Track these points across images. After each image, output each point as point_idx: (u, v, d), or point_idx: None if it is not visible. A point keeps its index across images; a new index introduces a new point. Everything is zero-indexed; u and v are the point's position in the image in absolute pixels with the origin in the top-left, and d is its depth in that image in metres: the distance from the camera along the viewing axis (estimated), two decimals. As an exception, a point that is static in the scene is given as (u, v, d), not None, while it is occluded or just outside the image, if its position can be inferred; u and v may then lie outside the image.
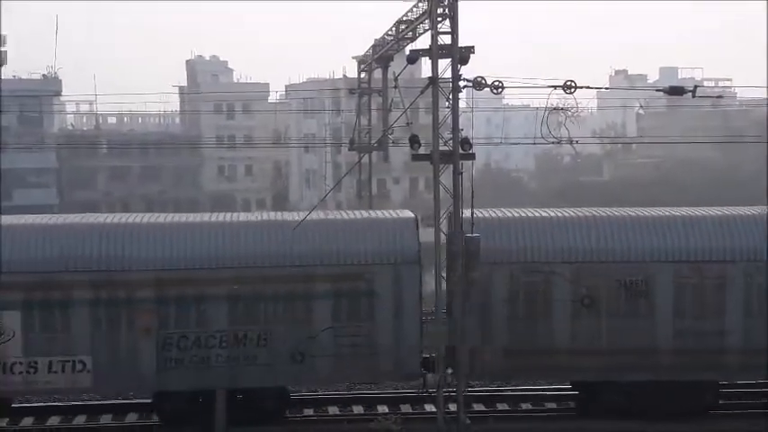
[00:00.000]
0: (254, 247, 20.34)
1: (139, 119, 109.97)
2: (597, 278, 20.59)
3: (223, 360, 20.21)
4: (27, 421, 21.74)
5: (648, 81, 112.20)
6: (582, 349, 20.64)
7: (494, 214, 21.30)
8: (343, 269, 20.25)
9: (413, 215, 21.30)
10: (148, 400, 21.96)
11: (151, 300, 20.02)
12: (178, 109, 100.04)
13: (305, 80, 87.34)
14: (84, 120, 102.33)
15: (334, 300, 20.26)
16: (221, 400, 20.30)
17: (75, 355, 19.92)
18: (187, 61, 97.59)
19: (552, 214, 21.61)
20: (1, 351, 19.77)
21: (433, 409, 20.37)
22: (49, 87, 73.85)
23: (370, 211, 22.86)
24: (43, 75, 77.21)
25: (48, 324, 19.81)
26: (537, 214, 21.59)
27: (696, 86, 20.25)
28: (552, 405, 22.85)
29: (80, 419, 21.94)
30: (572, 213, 21.63)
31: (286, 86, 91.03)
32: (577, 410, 22.23)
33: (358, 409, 22.46)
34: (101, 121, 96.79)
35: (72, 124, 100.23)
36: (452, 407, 19.75)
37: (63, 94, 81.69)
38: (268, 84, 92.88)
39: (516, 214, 21.50)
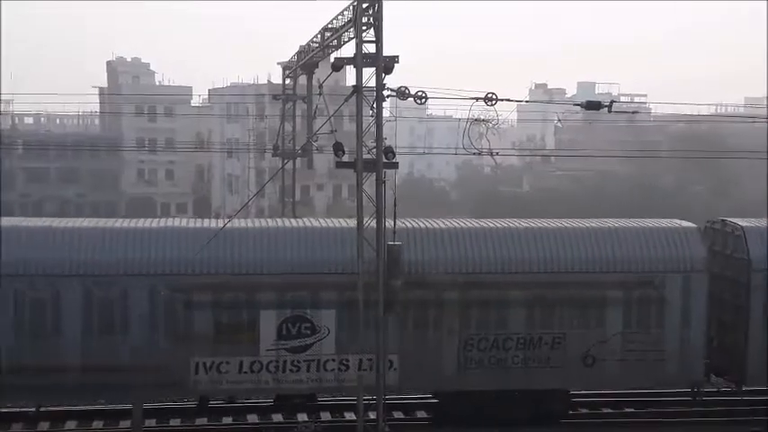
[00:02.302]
0: (552, 253, 21.14)
1: (57, 120, 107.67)
2: None
3: (519, 362, 20.86)
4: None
5: (567, 95, 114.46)
6: None
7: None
8: (635, 276, 21.15)
9: (695, 225, 22.21)
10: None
11: (456, 302, 20.72)
12: (98, 110, 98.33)
13: (228, 84, 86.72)
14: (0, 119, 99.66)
15: (624, 306, 21.16)
16: (514, 400, 21.08)
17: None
18: (108, 62, 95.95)
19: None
20: (316, 349, 20.26)
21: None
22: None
23: (647, 221, 23.08)
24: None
25: (358, 323, 19.74)
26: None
27: (612, 101, 20.78)
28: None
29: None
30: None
31: (209, 90, 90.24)
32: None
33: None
34: (17, 121, 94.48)
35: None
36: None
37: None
38: (191, 87, 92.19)
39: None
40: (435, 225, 21.72)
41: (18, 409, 21.96)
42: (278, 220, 22.65)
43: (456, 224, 21.93)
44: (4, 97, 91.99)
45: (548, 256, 21.12)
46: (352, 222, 20.57)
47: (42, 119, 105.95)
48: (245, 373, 20.40)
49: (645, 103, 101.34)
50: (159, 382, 20.13)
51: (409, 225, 21.32)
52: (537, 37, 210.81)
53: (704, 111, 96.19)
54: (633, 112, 27.30)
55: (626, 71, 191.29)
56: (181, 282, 19.94)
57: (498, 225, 21.90)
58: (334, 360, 20.57)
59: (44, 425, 21.78)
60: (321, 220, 22.44)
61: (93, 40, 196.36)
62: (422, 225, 21.59)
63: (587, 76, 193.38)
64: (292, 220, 22.32)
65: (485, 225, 21.92)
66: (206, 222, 22.01)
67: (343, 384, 20.76)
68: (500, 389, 21.08)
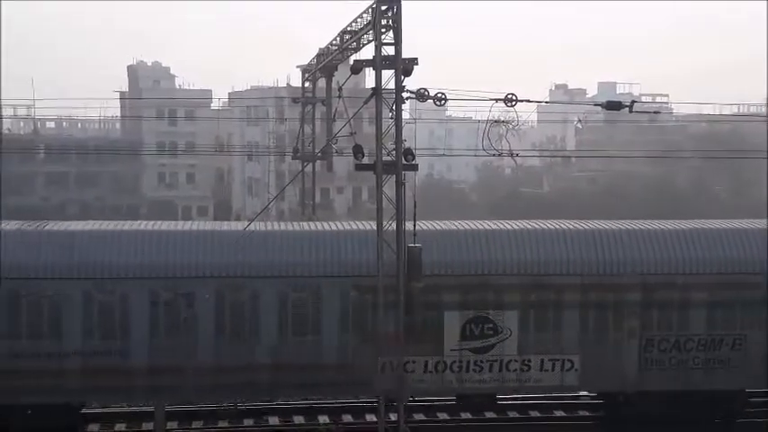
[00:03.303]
0: (731, 253, 21.32)
1: (79, 124, 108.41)
2: None
3: (700, 363, 21.06)
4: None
5: (587, 96, 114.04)
6: None
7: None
8: None
9: None
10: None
11: (637, 303, 20.94)
12: (119, 114, 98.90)
13: (248, 88, 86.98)
14: (22, 124, 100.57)
15: None
16: (693, 401, 21.26)
17: (564, 354, 20.75)
18: (129, 66, 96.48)
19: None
20: (499, 349, 20.68)
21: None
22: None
23: None
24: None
25: (540, 324, 20.61)
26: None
27: (633, 101, 20.66)
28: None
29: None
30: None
31: (229, 94, 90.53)
32: None
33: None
34: (39, 125, 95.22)
35: (9, 128, 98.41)
36: None
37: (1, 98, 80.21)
38: (211, 90, 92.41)
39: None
40: (613, 227, 21.92)
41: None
42: (463, 223, 22.65)
43: (628, 226, 22.07)
44: (26, 102, 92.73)
45: (729, 257, 21.28)
46: (530, 224, 21.62)
47: (64, 123, 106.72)
48: (430, 372, 20.83)
49: (666, 102, 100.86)
50: (348, 381, 20.57)
51: (588, 227, 21.72)
52: (555, 36, 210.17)
53: (726, 110, 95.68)
54: (655, 112, 27.16)
55: (645, 68, 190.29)
56: (368, 283, 19.93)
57: (666, 227, 22.00)
58: (516, 361, 20.90)
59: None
60: (504, 223, 22.49)
61: (113, 44, 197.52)
62: (601, 227, 21.87)
63: (608, 75, 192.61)
64: (475, 222, 22.55)
65: (654, 227, 22.00)
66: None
67: (525, 385, 21.15)
68: (680, 390, 21.29)
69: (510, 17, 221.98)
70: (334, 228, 21.54)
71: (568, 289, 20.82)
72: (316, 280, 20.33)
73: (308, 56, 34.06)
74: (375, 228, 19.17)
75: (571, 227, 21.67)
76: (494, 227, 21.79)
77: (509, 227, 21.75)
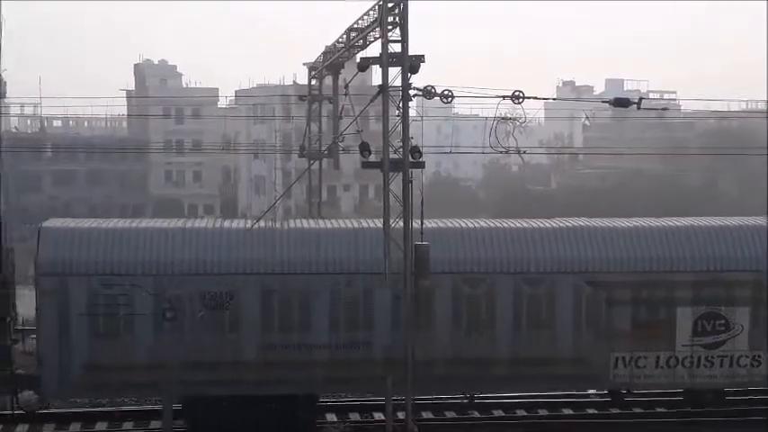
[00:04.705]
0: None
1: (86, 122, 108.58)
2: None
3: None
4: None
5: (595, 93, 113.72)
6: None
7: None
8: None
9: None
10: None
11: None
12: (125, 113, 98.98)
13: (255, 86, 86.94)
14: (29, 123, 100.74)
15: None
16: None
17: None
18: (135, 65, 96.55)
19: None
20: (729, 345, 21.08)
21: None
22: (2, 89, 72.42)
23: None
24: (-14, 77, 75.72)
25: None
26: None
27: (641, 98, 20.59)
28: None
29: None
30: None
31: (236, 92, 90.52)
32: None
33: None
34: (46, 124, 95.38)
35: (16, 127, 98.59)
36: None
37: (7, 96, 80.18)
38: (217, 89, 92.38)
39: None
40: (734, 223, 22.05)
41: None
42: (691, 219, 22.84)
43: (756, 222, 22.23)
44: (32, 101, 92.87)
45: None
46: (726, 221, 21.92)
47: (71, 122, 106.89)
48: (661, 368, 21.19)
49: (674, 99, 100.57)
50: (581, 375, 21.15)
51: (722, 223, 21.91)
52: (562, 35, 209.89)
53: (734, 107, 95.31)
54: (663, 109, 27.18)
55: (654, 65, 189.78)
56: (602, 279, 20.81)
57: None
58: (746, 356, 21.23)
59: (75, 425, 21.91)
60: (731, 220, 22.58)
61: (120, 42, 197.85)
62: (734, 223, 22.00)
63: (615, 72, 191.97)
64: (705, 219, 22.81)
65: None
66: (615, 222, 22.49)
67: (754, 380, 21.52)
68: None
69: (517, 17, 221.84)
70: (569, 225, 21.91)
71: None
72: (550, 276, 20.89)
73: (314, 54, 34.01)
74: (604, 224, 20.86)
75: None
76: (722, 223, 22.11)
77: (737, 224, 22.07)
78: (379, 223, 20.06)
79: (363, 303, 20.45)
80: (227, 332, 20.05)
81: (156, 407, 21.90)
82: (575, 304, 20.91)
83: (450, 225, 21.58)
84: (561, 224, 21.89)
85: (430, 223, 21.04)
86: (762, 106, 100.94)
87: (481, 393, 22.54)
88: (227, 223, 21.39)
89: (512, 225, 21.78)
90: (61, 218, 22.85)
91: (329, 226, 21.72)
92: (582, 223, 22.01)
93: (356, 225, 21.63)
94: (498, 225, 21.82)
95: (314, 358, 20.38)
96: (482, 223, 21.99)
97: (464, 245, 20.91)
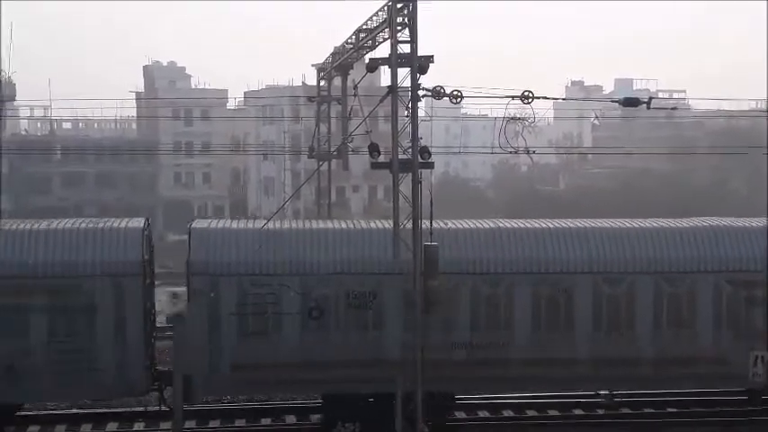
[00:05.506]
0: None
1: (95, 124, 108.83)
2: None
3: None
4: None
5: (604, 92, 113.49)
6: None
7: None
8: None
9: None
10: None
11: None
12: (135, 115, 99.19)
13: (263, 87, 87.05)
14: (39, 125, 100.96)
15: None
16: None
17: None
18: (144, 67, 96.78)
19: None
20: None
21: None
22: (2, 92, 72.69)
23: None
24: (-3, 79, 76.04)
25: None
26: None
27: (651, 98, 20.57)
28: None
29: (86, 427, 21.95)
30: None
31: (245, 93, 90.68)
32: None
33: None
34: (55, 126, 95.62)
35: (26, 129, 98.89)
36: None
37: (17, 98, 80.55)
38: (226, 90, 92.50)
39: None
40: None
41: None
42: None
43: None
44: (42, 103, 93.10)
45: None
46: None
47: (80, 124, 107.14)
48: None
49: (684, 99, 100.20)
50: (720, 374, 21.29)
51: None
52: (563, 34, 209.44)
53: (744, 106, 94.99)
54: (672, 109, 27.06)
55: (654, 65, 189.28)
56: (742, 278, 21.08)
57: None
58: None
59: (86, 426, 22.00)
60: None
61: (128, 44, 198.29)
62: None
63: (616, 72, 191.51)
64: None
65: None
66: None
67: None
68: None
69: (517, 17, 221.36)
70: (707, 224, 22.03)
71: None
72: (689, 276, 21.05)
73: (323, 55, 33.99)
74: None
75: None
76: None
77: None
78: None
79: (504, 303, 20.69)
80: (370, 330, 20.32)
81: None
82: (715, 303, 21.08)
83: (583, 225, 21.77)
84: (700, 224, 22.11)
85: (563, 224, 21.64)
86: (762, 105, 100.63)
87: (625, 391, 22.72)
88: (372, 224, 21.69)
89: (650, 225, 21.98)
90: (205, 218, 23.06)
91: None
92: (720, 223, 22.19)
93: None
94: (637, 225, 21.95)
95: (452, 358, 20.59)
96: (618, 223, 22.11)
97: (603, 245, 21.12)
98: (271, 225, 21.23)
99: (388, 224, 20.82)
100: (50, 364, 19.67)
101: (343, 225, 21.72)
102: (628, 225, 21.98)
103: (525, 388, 22.07)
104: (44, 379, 19.75)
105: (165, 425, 21.43)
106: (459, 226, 21.50)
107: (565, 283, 20.81)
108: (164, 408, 21.21)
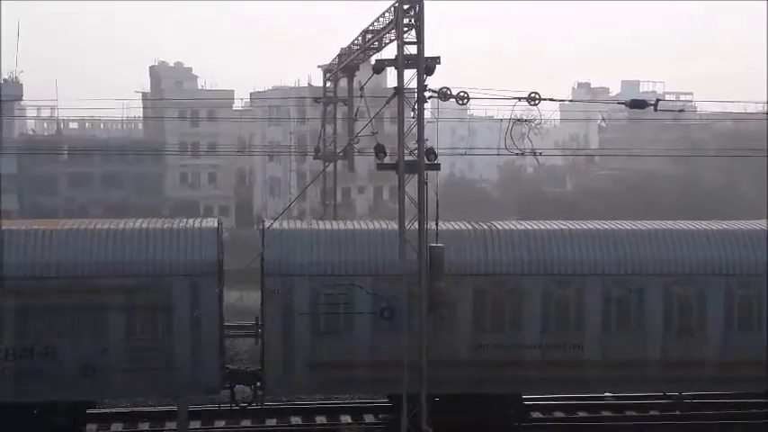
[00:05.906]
0: None
1: (102, 125, 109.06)
2: None
3: None
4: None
5: (610, 94, 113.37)
6: None
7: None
8: None
9: None
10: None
11: None
12: (141, 115, 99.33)
13: (270, 88, 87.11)
14: (46, 125, 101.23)
15: None
16: None
17: None
18: (151, 67, 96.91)
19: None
20: None
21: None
22: (9, 92, 72.88)
23: None
24: (4, 79, 76.26)
25: None
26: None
27: (658, 100, 20.45)
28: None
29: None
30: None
31: (251, 94, 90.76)
32: None
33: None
34: (62, 126, 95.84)
35: (33, 129, 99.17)
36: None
37: (24, 98, 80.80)
38: (233, 91, 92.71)
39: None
40: None
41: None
42: None
43: None
44: (49, 103, 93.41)
45: None
46: None
47: (87, 124, 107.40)
48: None
49: (691, 101, 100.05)
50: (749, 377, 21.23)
51: None
52: (562, 34, 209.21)
53: (752, 108, 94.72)
54: (679, 111, 26.86)
55: (653, 65, 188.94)
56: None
57: None
58: None
59: (92, 427, 22.00)
60: None
61: (128, 44, 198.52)
62: None
63: (626, 73, 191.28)
64: None
65: None
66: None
67: None
68: None
69: (516, 17, 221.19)
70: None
71: None
72: (755, 278, 21.03)
73: (329, 56, 34.01)
74: None
75: None
76: None
77: None
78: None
79: (575, 304, 20.67)
80: (442, 331, 20.25)
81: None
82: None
83: (653, 227, 21.68)
84: (759, 227, 21.94)
85: (632, 225, 21.52)
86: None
87: (690, 392, 22.57)
88: (442, 225, 21.42)
89: (717, 227, 21.85)
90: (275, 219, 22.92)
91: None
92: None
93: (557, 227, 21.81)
94: (703, 228, 21.83)
95: (524, 359, 20.60)
96: (683, 226, 22.03)
97: (674, 248, 21.09)
98: (342, 225, 21.35)
99: (458, 226, 21.04)
100: (127, 363, 19.75)
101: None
102: (694, 227, 21.81)
103: (599, 388, 22.10)
104: (120, 377, 19.83)
105: (171, 425, 21.45)
106: (528, 227, 21.50)
107: (636, 284, 20.71)
108: (235, 406, 21.32)
